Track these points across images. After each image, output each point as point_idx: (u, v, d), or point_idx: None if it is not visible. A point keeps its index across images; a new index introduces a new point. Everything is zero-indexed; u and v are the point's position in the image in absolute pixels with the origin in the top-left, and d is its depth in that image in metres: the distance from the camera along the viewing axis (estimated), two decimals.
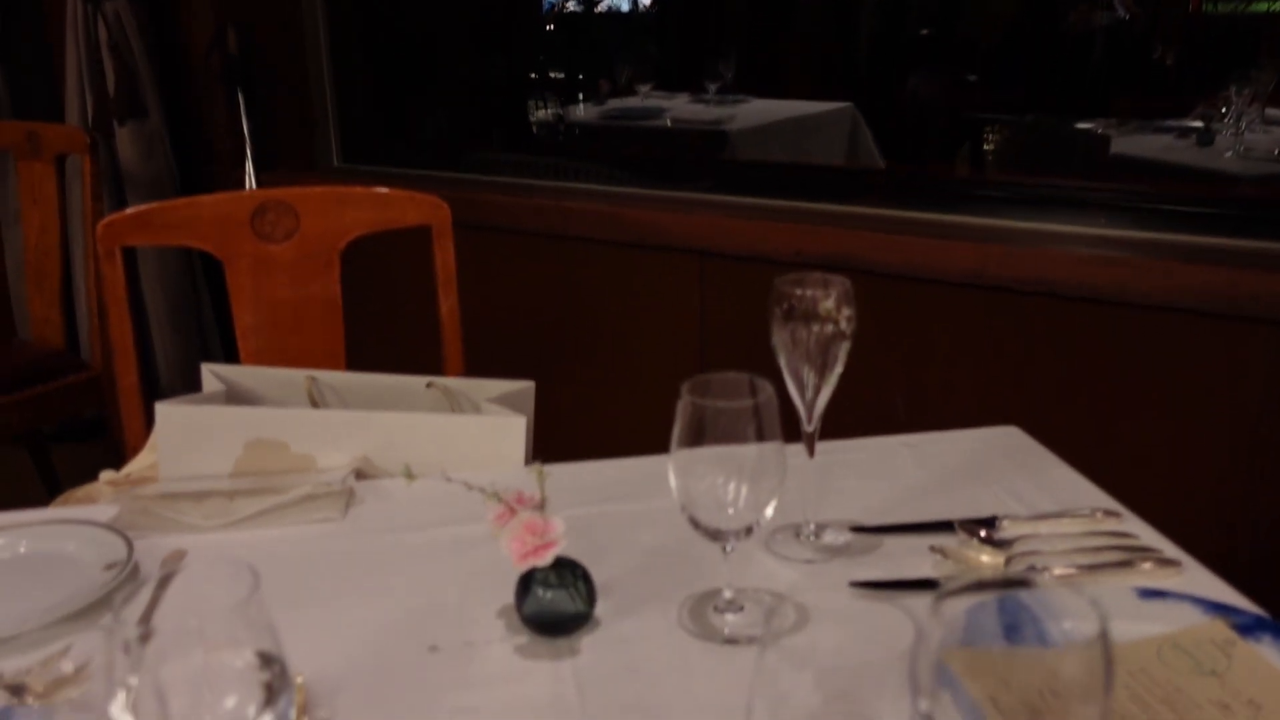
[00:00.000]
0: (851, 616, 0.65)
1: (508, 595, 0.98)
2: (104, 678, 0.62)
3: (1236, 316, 1.86)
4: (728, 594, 0.99)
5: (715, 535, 0.95)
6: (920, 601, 0.61)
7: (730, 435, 0.92)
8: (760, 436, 0.92)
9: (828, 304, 1.05)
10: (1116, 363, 2.00)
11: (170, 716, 0.63)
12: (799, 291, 1.05)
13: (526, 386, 1.42)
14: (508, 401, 1.38)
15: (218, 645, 0.65)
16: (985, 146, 2.86)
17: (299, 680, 0.87)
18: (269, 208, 1.71)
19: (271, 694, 0.64)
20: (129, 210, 1.75)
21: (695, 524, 0.95)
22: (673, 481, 0.94)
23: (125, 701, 0.61)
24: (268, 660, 0.65)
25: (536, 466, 0.94)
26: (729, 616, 0.98)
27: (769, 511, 0.94)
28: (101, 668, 0.48)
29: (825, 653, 0.63)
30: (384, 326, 2.52)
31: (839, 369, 1.06)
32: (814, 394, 1.08)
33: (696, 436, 0.92)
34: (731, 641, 0.95)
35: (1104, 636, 0.58)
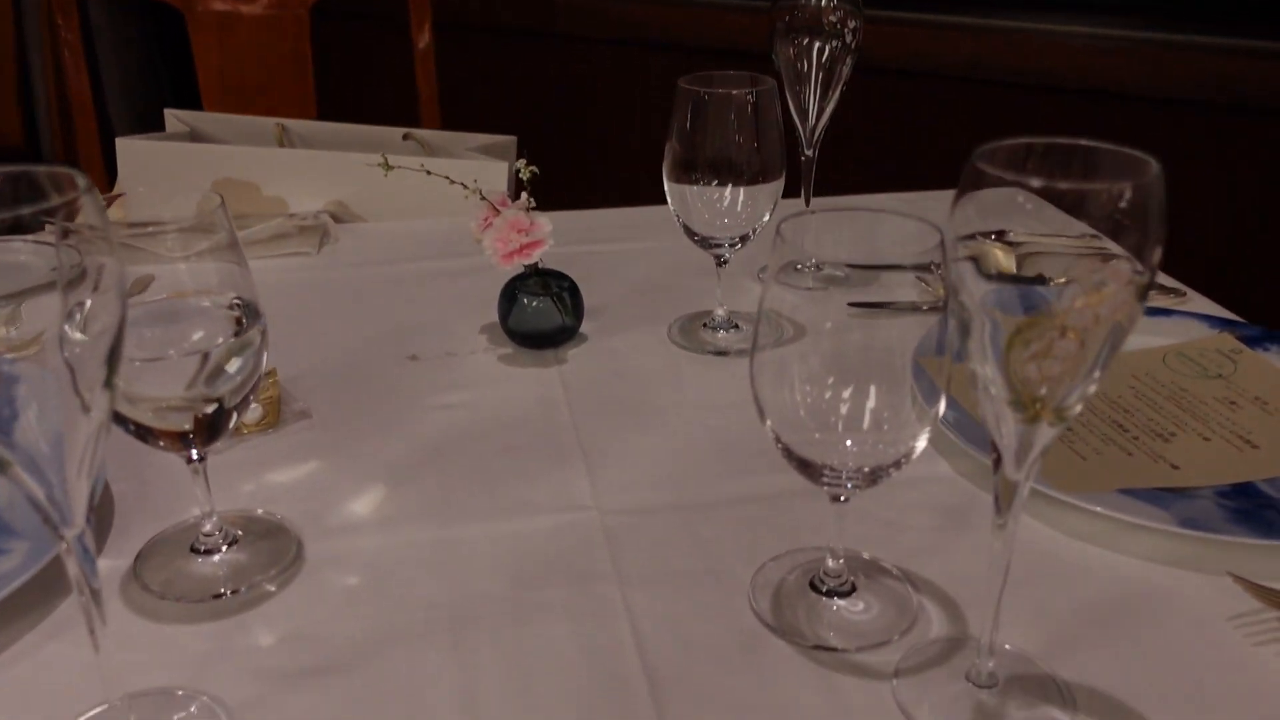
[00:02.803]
0: (849, 328, 0.62)
1: (491, 315, 0.94)
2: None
3: (1226, 106, 1.81)
4: (720, 311, 0.95)
5: (709, 244, 0.91)
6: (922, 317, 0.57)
7: (729, 130, 0.86)
8: (759, 133, 0.87)
9: (832, 17, 0.99)
10: None
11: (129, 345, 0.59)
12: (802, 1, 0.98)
13: (509, 139, 1.35)
14: (490, 152, 1.31)
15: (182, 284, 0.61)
16: None
17: (272, 375, 0.84)
18: None
19: (241, 327, 0.60)
20: None
21: (690, 232, 0.91)
22: (666, 184, 0.90)
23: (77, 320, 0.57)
24: (236, 299, 0.61)
25: (521, 163, 0.89)
26: (721, 333, 0.94)
27: (766, 217, 0.89)
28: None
29: (823, 355, 0.60)
30: (359, 93, 2.43)
31: (842, 87, 1.00)
32: (816, 118, 1.02)
33: (693, 134, 0.87)
34: (723, 353, 0.92)
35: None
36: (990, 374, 0.47)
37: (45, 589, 0.62)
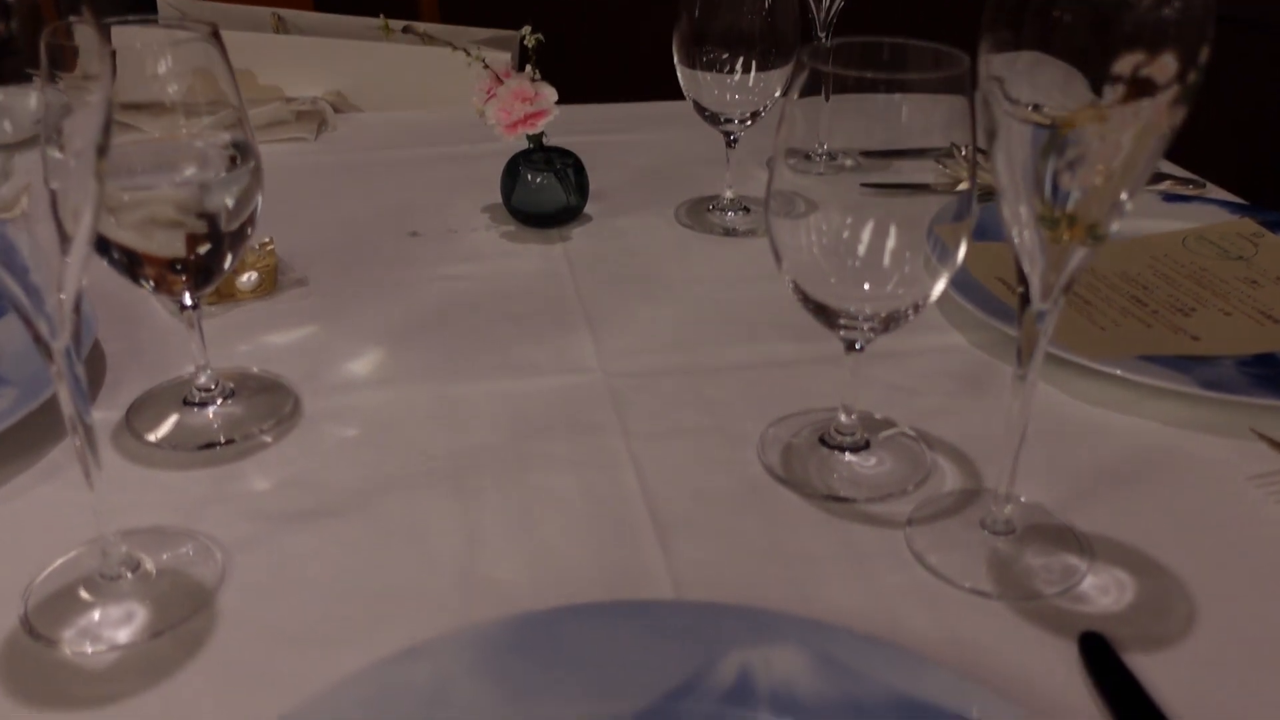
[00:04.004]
0: (861, 205, 0.60)
1: (494, 196, 0.91)
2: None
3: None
4: (729, 193, 0.93)
5: (719, 121, 0.88)
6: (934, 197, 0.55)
7: (742, 10, 0.84)
8: (773, 13, 0.84)
9: None
10: None
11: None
12: None
13: (514, 33, 1.32)
14: (496, 45, 1.28)
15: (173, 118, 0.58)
16: None
17: (269, 243, 0.81)
18: None
19: (234, 164, 0.58)
20: None
21: (699, 108, 0.88)
22: (677, 64, 0.87)
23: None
24: (230, 140, 0.59)
25: (526, 30, 0.86)
26: (730, 214, 0.92)
27: (777, 93, 0.87)
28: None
29: (836, 227, 0.58)
30: None
31: None
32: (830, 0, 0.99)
33: (705, 14, 0.84)
34: (731, 233, 0.90)
35: None
36: (1021, 189, 0.45)
37: (38, 435, 0.60)
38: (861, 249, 0.55)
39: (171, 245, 0.54)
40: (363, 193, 0.99)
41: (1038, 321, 0.49)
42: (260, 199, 0.59)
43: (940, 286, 0.55)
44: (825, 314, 0.56)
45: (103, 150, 0.40)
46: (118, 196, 0.52)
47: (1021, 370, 0.51)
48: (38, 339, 0.45)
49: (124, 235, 0.52)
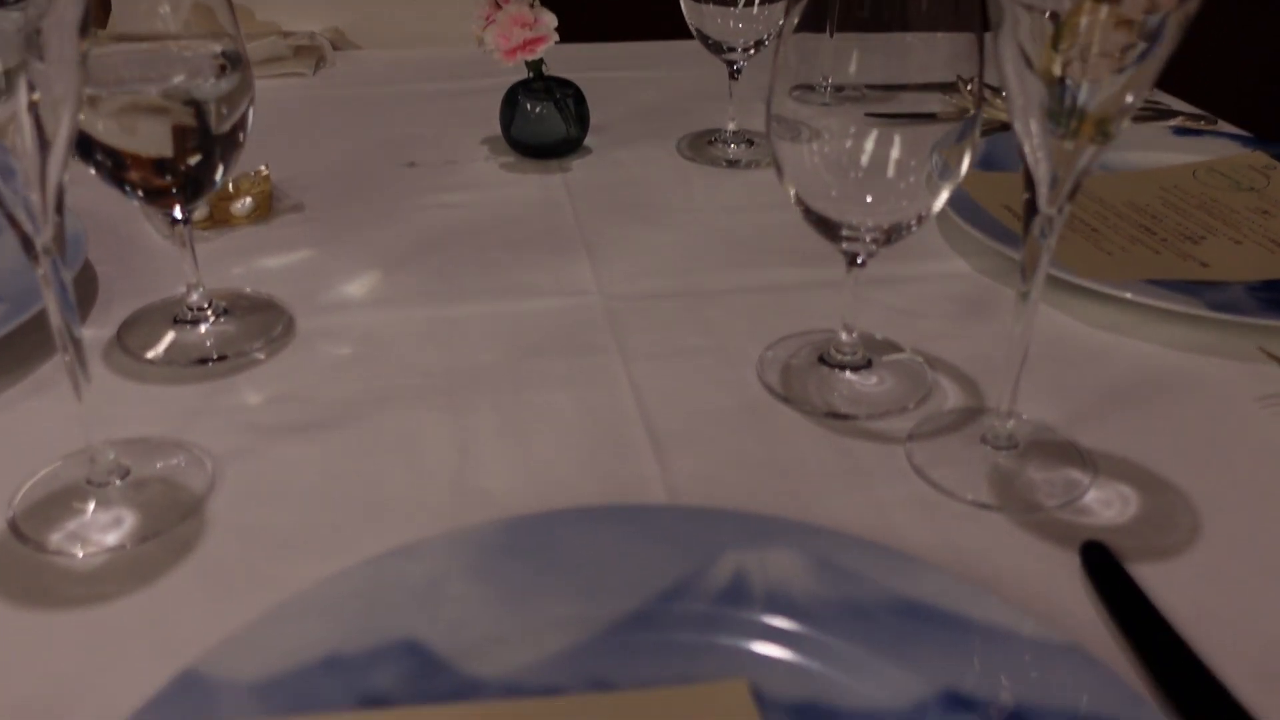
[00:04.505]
0: (867, 132, 0.58)
1: (493, 129, 0.90)
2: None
3: None
4: (732, 126, 0.91)
5: (722, 50, 0.87)
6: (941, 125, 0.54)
7: None
8: None
9: None
10: None
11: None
12: None
13: None
14: None
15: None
16: None
17: (264, 170, 0.80)
18: None
19: (224, 73, 0.57)
20: None
21: (702, 37, 0.87)
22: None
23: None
24: (220, 50, 0.57)
25: None
26: (733, 147, 0.91)
27: (781, 21, 0.85)
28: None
29: (839, 142, 0.56)
30: None
31: None
32: None
33: None
34: (734, 164, 0.88)
35: None
36: (1030, 84, 0.43)
37: (28, 351, 0.59)
38: (864, 159, 0.54)
39: (158, 142, 0.52)
40: (360, 126, 0.97)
41: (1042, 236, 0.48)
42: (251, 112, 0.57)
43: (943, 199, 0.54)
44: (827, 226, 0.55)
45: (84, 28, 0.38)
46: (100, 91, 0.51)
47: (1025, 286, 0.50)
48: (21, 236, 0.44)
49: (107, 129, 0.51)
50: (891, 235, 0.54)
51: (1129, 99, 0.43)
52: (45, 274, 0.45)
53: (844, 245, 0.55)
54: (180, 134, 0.52)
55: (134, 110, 0.51)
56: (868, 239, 0.54)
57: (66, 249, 0.48)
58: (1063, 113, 0.43)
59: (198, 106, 0.52)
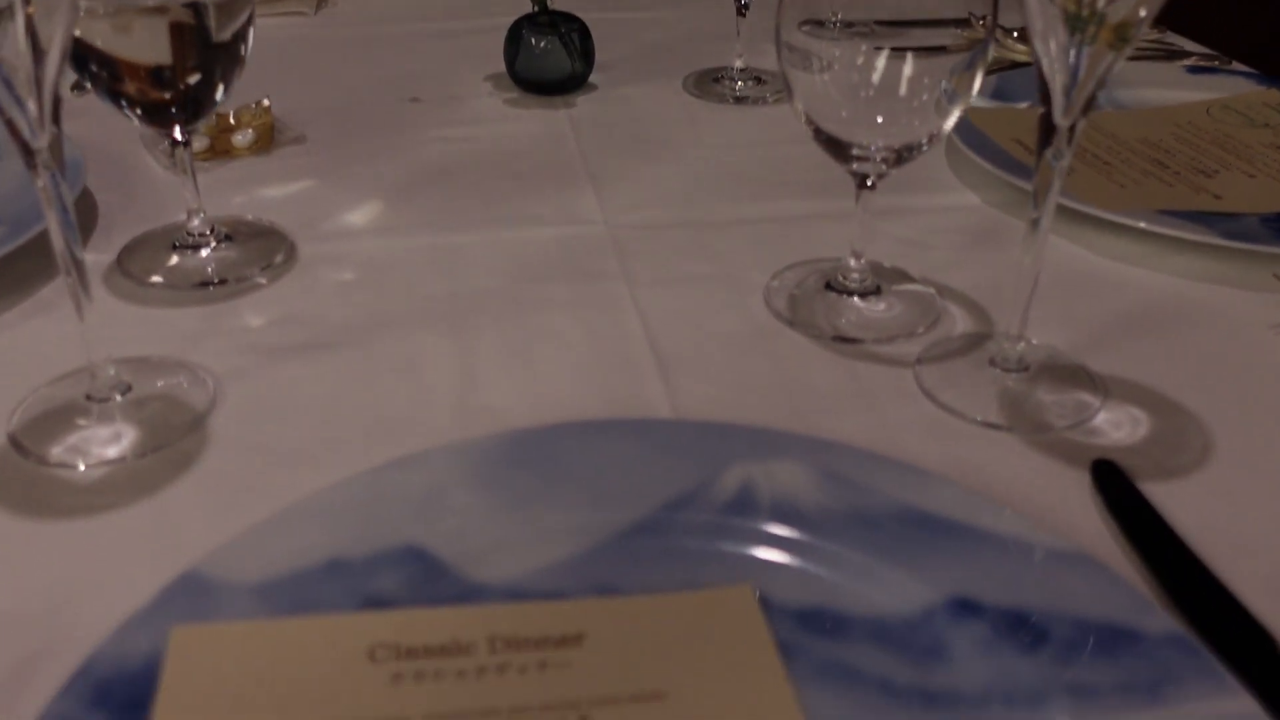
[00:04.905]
0: (878, 56, 0.57)
1: (497, 66, 0.89)
2: None
3: None
4: (739, 64, 0.90)
5: None
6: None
7: None
8: None
9: None
10: None
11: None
12: None
13: None
14: None
15: None
16: None
17: (265, 101, 0.79)
18: None
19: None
20: None
21: None
22: None
23: None
24: None
25: None
26: (740, 83, 0.89)
27: None
28: None
29: (854, 74, 0.55)
30: None
31: None
32: None
33: None
34: (741, 101, 0.87)
35: None
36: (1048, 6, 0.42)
37: (29, 273, 0.59)
38: (875, 80, 0.53)
39: (155, 47, 0.51)
40: (363, 63, 0.96)
41: (1054, 159, 0.47)
42: (252, 31, 0.56)
43: (954, 119, 0.53)
44: (837, 147, 0.54)
45: None
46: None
47: (1036, 212, 0.49)
48: (20, 144, 0.43)
49: (103, 36, 0.50)
50: (902, 155, 0.53)
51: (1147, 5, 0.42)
52: (45, 186, 0.44)
53: (854, 166, 0.54)
54: (178, 37, 0.51)
55: (131, 12, 0.50)
56: (878, 159, 0.53)
57: (66, 171, 0.47)
58: (1082, 17, 0.42)
59: (196, 9, 0.51)
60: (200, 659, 0.34)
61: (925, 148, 0.53)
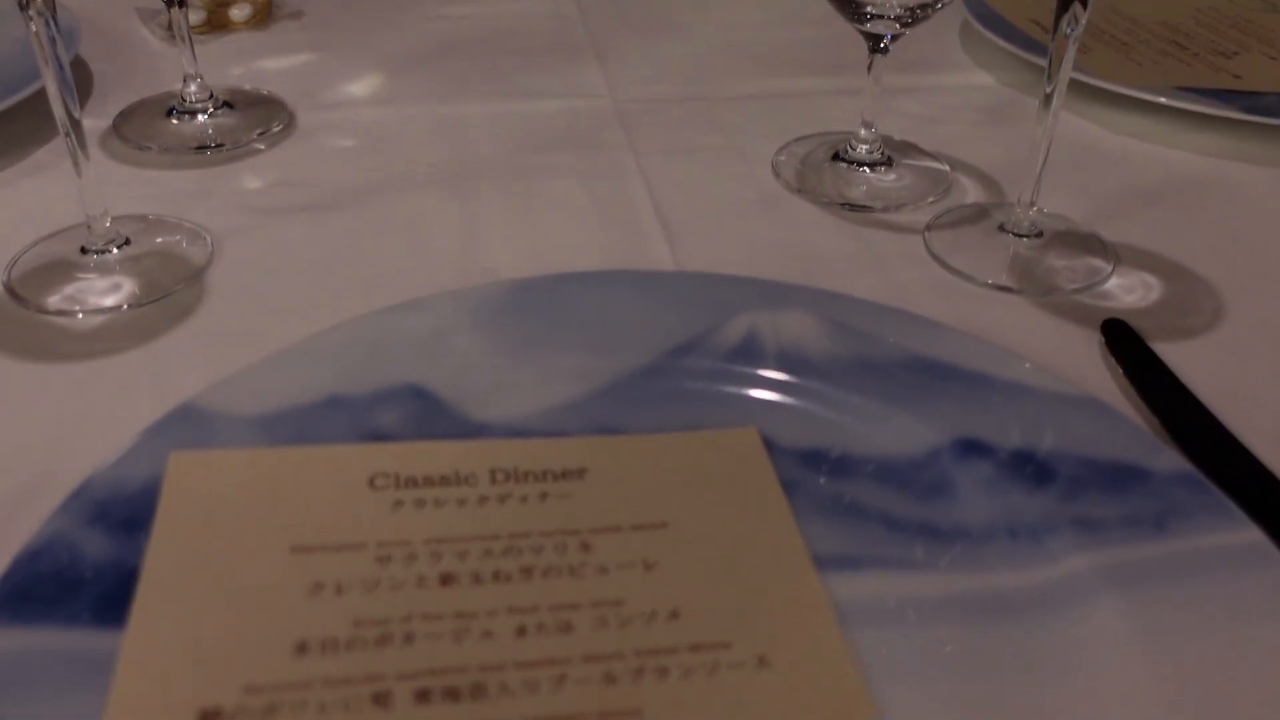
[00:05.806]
0: None
1: None
2: None
3: None
4: None
5: None
6: None
7: None
8: None
9: None
10: None
11: None
12: None
13: None
14: None
15: None
16: None
17: None
18: None
19: None
20: None
21: None
22: None
23: None
24: None
25: None
26: None
27: None
28: None
29: None
30: None
31: None
32: None
33: None
34: None
35: None
36: None
37: (23, 135, 0.58)
38: None
39: None
40: None
41: (1069, 28, 0.46)
42: None
43: None
44: (850, 5, 0.52)
45: None
46: None
47: (1049, 86, 0.47)
48: None
49: None
50: (917, 13, 0.52)
51: None
52: (38, 32, 0.43)
53: (868, 25, 0.52)
54: None
55: None
56: (891, 16, 0.52)
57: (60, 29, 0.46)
58: None
59: None
60: (199, 483, 0.34)
61: (941, 5, 0.51)
